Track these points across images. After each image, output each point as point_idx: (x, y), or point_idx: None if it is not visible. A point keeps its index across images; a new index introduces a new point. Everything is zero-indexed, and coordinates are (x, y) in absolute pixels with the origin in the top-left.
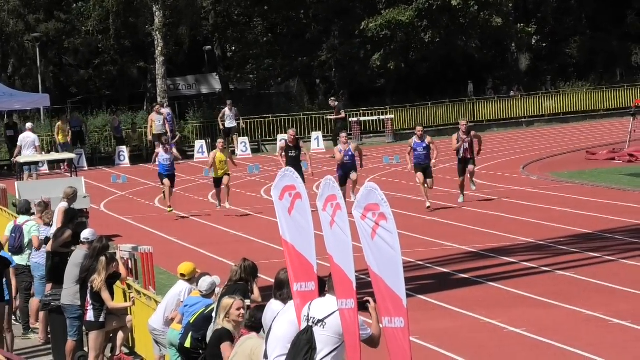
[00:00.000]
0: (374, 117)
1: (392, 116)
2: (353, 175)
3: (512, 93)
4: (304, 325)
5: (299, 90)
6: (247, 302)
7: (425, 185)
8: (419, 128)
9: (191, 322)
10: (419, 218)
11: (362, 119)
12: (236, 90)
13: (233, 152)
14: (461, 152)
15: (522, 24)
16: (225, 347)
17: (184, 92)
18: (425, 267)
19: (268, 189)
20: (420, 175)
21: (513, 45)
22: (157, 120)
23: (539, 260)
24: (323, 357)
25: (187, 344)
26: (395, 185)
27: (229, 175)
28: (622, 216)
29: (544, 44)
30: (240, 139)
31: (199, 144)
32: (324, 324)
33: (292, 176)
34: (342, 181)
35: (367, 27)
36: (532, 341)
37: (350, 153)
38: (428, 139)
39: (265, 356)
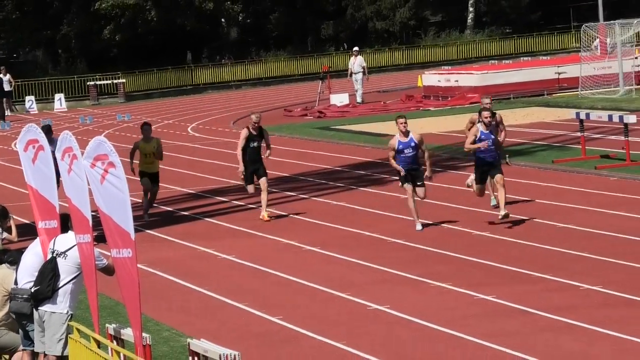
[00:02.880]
0: (109, 81)
1: (124, 80)
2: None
3: (223, 61)
4: (49, 256)
5: (44, 59)
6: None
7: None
8: (486, 114)
9: None
10: None
11: (98, 82)
12: None
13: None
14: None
15: (229, 2)
16: None
17: None
18: (152, 207)
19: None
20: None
21: (223, 20)
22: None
23: (247, 199)
24: (65, 284)
25: None
26: (124, 138)
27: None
28: (313, 162)
29: (249, 20)
30: None
31: None
32: (65, 255)
33: (35, 131)
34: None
35: (100, 6)
36: (241, 266)
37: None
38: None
39: (16, 282)
